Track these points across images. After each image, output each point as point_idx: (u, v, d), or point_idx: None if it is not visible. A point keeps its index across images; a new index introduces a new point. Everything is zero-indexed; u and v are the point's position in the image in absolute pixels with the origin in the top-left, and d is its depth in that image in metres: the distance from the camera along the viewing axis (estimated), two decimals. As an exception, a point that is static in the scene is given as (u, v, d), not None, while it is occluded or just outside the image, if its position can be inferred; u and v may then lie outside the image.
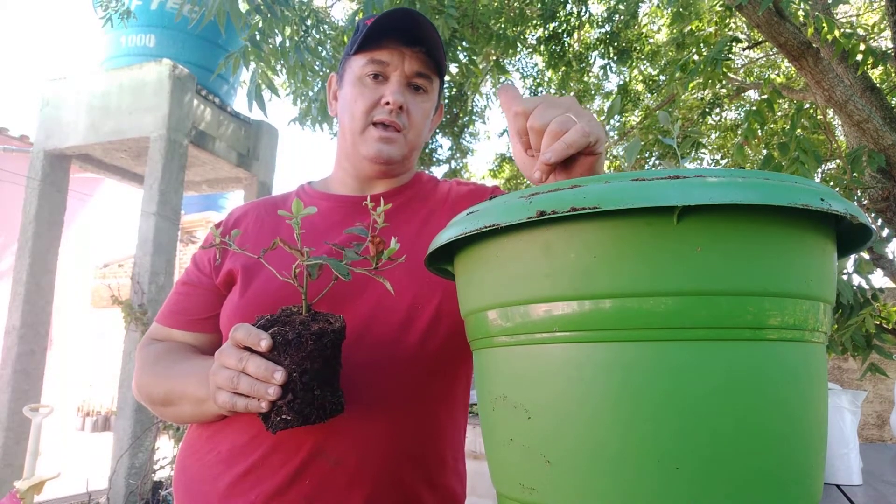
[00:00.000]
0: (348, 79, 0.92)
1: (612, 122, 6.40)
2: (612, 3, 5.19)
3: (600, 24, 5.44)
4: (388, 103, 0.87)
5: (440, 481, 0.83)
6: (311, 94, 3.73)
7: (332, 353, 0.63)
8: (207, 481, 0.77)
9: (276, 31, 2.94)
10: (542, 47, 5.19)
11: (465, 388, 0.89)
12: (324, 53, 3.30)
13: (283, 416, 0.61)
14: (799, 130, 2.35)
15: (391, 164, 0.90)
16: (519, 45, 4.50)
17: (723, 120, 6.37)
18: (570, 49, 5.26)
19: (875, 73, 4.91)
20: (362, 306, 0.79)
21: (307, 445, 0.73)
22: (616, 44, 5.33)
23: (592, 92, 6.34)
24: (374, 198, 0.77)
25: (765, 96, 2.43)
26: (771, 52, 5.93)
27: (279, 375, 0.60)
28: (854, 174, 2.28)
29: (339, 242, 0.79)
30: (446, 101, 5.10)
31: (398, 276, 0.73)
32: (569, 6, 4.85)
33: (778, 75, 6.03)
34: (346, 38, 3.36)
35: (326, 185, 0.98)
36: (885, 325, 2.32)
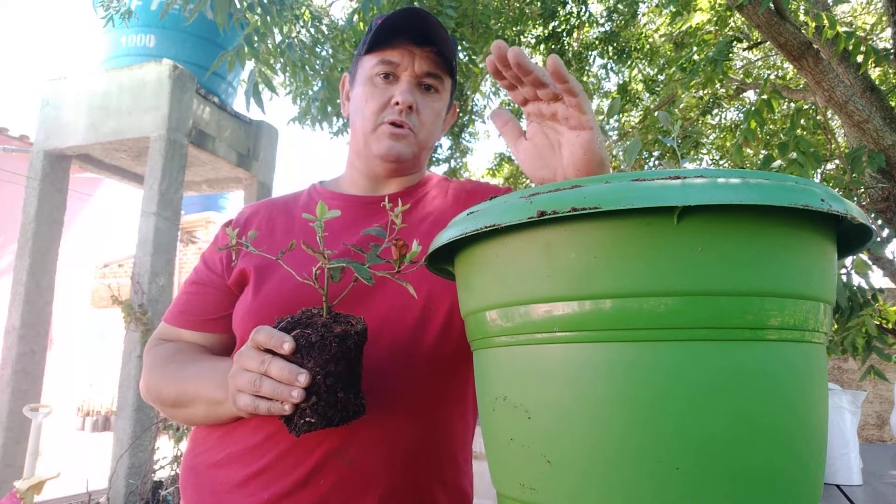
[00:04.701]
0: (359, 79, 0.92)
1: (611, 121, 6.40)
2: (612, 2, 5.19)
3: (600, 23, 5.44)
4: (397, 104, 0.86)
5: (453, 482, 0.83)
6: (310, 92, 3.73)
7: (354, 355, 0.63)
8: (218, 481, 0.77)
9: (276, 29, 2.94)
10: (542, 46, 5.19)
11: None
12: (323, 53, 3.30)
13: (307, 419, 0.61)
14: (799, 130, 2.35)
15: (401, 161, 0.89)
16: (518, 44, 4.50)
17: (722, 120, 6.37)
18: (570, 48, 5.26)
19: (875, 74, 4.91)
20: (377, 307, 0.79)
21: (322, 446, 0.73)
22: (615, 43, 5.33)
23: (592, 91, 6.33)
24: (391, 198, 0.77)
25: (765, 96, 2.43)
26: (771, 53, 5.93)
27: (303, 378, 0.59)
28: (854, 174, 2.28)
29: (355, 243, 0.79)
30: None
31: (411, 275, 0.73)
32: (568, 5, 4.85)
33: (777, 77, 6.03)
34: (345, 38, 3.36)
35: (338, 184, 0.98)
36: (885, 326, 2.32)
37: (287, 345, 0.61)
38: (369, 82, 0.89)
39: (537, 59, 6.07)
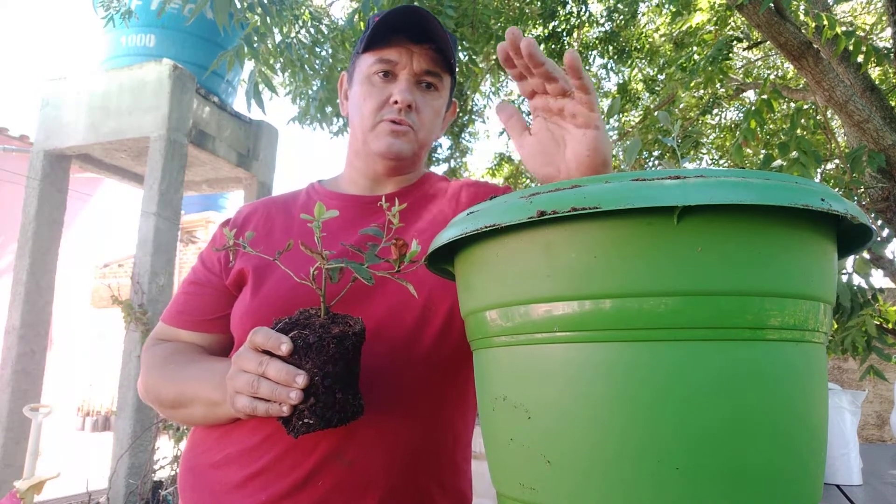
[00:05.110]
0: (357, 77, 0.91)
1: (611, 121, 6.40)
2: (612, 2, 5.19)
3: (600, 23, 5.44)
4: (396, 102, 0.86)
5: (452, 483, 0.82)
6: (310, 92, 3.73)
7: (352, 356, 0.63)
8: (217, 481, 0.76)
9: (275, 29, 2.95)
10: (542, 46, 5.19)
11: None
12: (322, 52, 3.30)
13: (306, 421, 0.60)
14: (799, 130, 2.35)
15: (401, 159, 0.89)
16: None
17: (722, 120, 6.37)
18: (570, 48, 5.25)
19: (875, 73, 4.91)
20: (376, 307, 0.78)
21: (321, 447, 0.73)
22: (615, 43, 5.33)
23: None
24: (388, 198, 0.76)
25: (765, 96, 2.43)
26: (771, 53, 5.93)
27: (301, 379, 0.59)
28: (854, 174, 2.28)
29: (353, 243, 0.78)
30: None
31: (411, 275, 0.73)
32: (568, 5, 4.85)
33: (777, 77, 6.02)
34: (345, 38, 3.36)
35: (337, 184, 0.97)
36: (885, 326, 2.32)
37: (285, 346, 0.60)
38: (367, 81, 0.88)
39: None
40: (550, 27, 4.97)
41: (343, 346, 0.61)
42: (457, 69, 0.95)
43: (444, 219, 0.88)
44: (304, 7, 3.15)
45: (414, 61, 0.87)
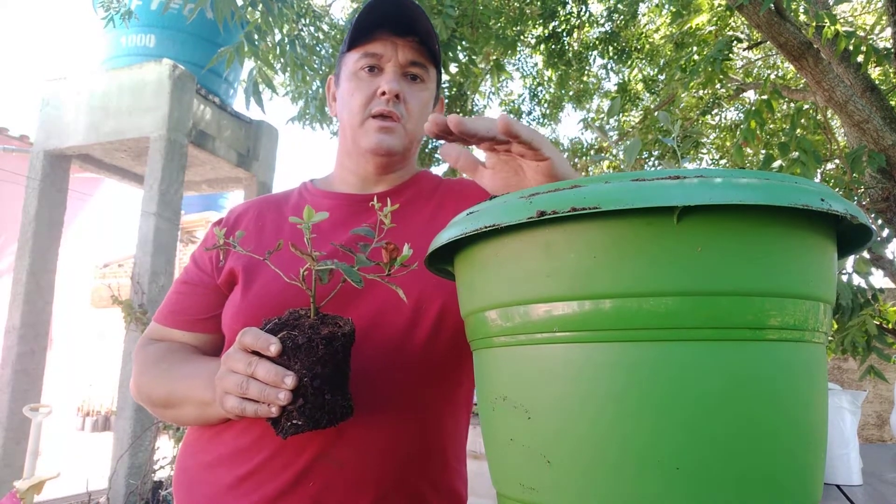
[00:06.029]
0: (344, 76, 0.91)
1: (611, 121, 6.40)
2: (612, 2, 5.19)
3: (600, 23, 5.44)
4: (384, 93, 0.86)
5: (445, 483, 0.82)
6: (309, 92, 3.73)
7: (342, 357, 0.63)
8: (208, 482, 0.76)
9: (275, 27, 2.95)
10: (542, 46, 5.19)
11: (469, 388, 0.88)
12: (322, 52, 3.30)
13: (294, 422, 0.60)
14: (799, 130, 2.35)
15: (392, 155, 0.88)
16: (519, 44, 4.51)
17: (722, 120, 6.37)
18: (570, 48, 5.26)
19: (875, 73, 4.91)
20: (367, 307, 0.78)
21: (312, 448, 0.73)
22: (615, 43, 5.34)
23: (591, 91, 6.34)
24: (380, 197, 0.76)
25: (765, 97, 2.43)
26: (771, 53, 5.92)
27: (290, 380, 0.59)
28: (854, 174, 2.28)
29: (345, 243, 0.78)
30: (446, 100, 5.09)
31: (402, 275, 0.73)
32: (569, 5, 4.85)
33: (777, 77, 6.03)
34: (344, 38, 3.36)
35: (328, 183, 0.97)
36: (885, 326, 2.32)
37: (273, 347, 0.60)
38: (354, 77, 0.88)
39: (537, 60, 6.07)
40: (550, 27, 4.97)
41: (332, 347, 0.61)
42: (441, 60, 0.95)
43: (437, 218, 0.88)
44: (306, 4, 3.15)
45: (399, 53, 0.87)
